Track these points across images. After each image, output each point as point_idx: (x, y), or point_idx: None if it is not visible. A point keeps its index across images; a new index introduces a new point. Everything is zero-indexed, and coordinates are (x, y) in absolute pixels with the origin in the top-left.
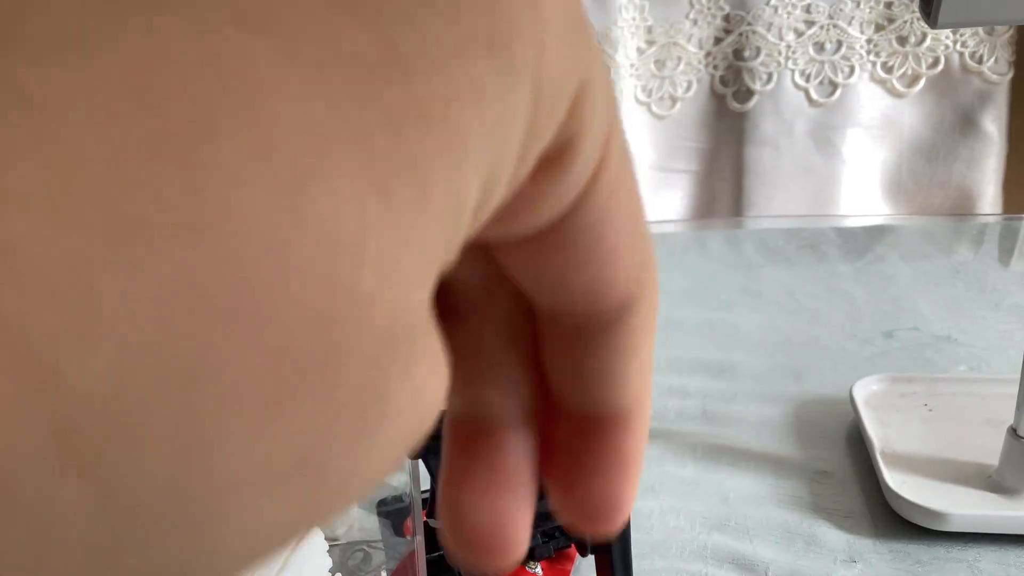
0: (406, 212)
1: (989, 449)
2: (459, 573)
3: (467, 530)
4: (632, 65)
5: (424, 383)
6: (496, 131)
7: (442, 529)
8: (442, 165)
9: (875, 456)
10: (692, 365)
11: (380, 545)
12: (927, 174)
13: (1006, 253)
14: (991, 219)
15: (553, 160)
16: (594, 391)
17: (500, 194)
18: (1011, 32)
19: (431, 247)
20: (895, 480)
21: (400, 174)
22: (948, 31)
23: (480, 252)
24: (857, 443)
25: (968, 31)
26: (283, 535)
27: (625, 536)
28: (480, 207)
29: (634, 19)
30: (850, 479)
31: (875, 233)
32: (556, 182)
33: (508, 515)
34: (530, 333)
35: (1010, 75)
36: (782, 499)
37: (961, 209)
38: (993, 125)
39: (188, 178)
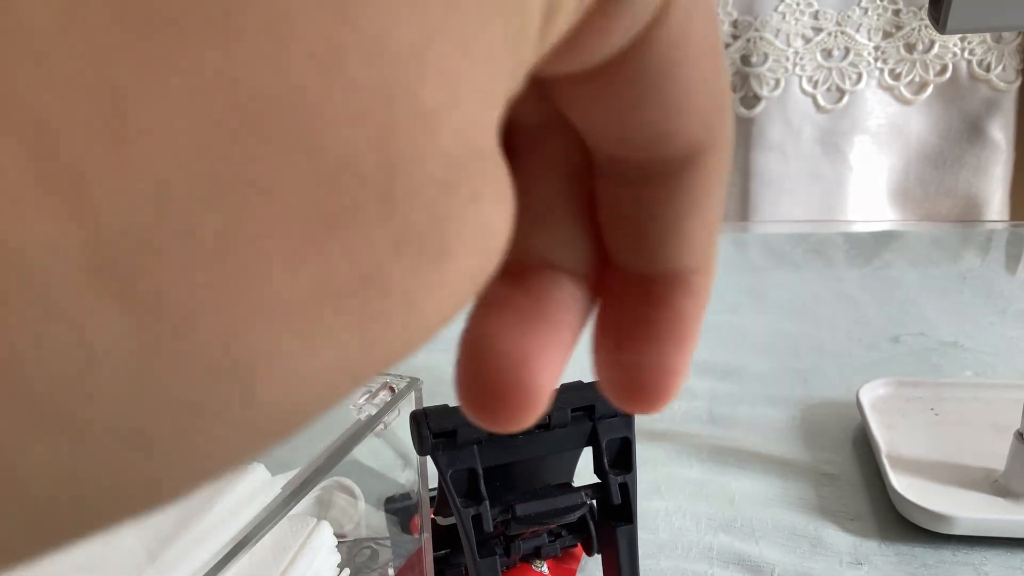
0: (471, 19)
1: (995, 454)
2: (466, 570)
3: (489, 364)
4: None
5: (490, 217)
6: None
7: (458, 365)
8: None
9: (881, 459)
10: (699, 367)
11: (387, 542)
12: (934, 181)
13: (1013, 260)
14: (998, 226)
15: None
16: (654, 247)
17: (568, 14)
18: (1019, 40)
19: (498, 61)
20: (901, 483)
21: None
22: (956, 39)
23: (537, 90)
24: (863, 446)
25: (976, 39)
26: (343, 371)
27: (631, 536)
28: (547, 25)
29: None
30: (856, 482)
31: (882, 239)
32: (623, 4)
33: (539, 354)
34: (589, 185)
35: (1018, 83)
36: (788, 501)
37: (968, 216)
38: (1000, 133)
39: None
